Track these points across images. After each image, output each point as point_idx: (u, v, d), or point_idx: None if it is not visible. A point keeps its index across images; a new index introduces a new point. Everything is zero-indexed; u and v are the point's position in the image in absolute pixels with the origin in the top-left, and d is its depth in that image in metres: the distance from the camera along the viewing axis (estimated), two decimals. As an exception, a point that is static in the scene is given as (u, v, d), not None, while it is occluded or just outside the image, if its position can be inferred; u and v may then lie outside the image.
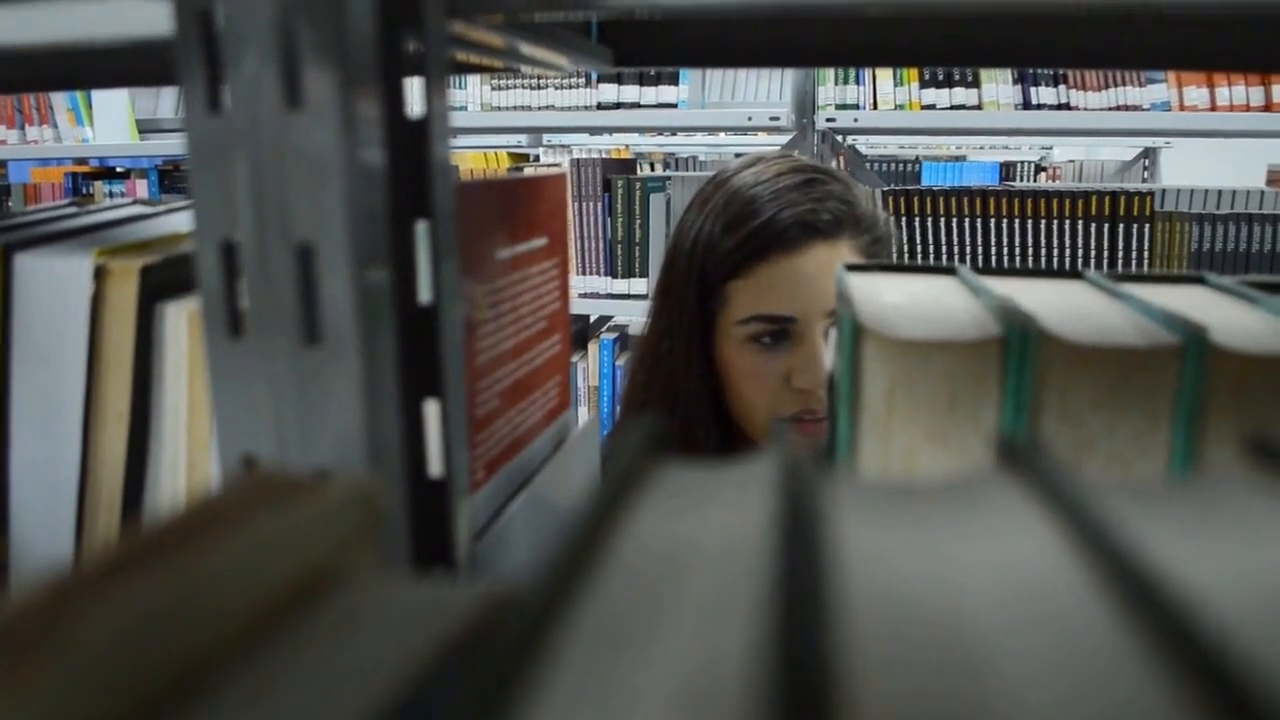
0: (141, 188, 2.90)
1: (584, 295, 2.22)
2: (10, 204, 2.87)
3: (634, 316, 2.34)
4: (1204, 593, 0.12)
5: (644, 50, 0.53)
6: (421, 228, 0.33)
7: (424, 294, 0.33)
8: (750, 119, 2.15)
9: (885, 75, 2.18)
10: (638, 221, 2.17)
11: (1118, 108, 2.12)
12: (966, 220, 1.92)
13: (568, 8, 0.35)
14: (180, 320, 0.48)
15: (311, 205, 0.29)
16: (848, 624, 0.11)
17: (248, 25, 0.28)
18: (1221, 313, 0.43)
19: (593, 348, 2.36)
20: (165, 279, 0.49)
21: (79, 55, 0.49)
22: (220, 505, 0.16)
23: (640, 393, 0.94)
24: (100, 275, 0.48)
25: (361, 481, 0.18)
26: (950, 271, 0.51)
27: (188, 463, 0.50)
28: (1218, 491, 0.17)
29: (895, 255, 1.98)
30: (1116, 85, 2.11)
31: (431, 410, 0.34)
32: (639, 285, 2.19)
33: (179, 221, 0.59)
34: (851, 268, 0.50)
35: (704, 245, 0.87)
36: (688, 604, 0.13)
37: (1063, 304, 0.44)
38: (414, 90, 0.32)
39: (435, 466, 0.34)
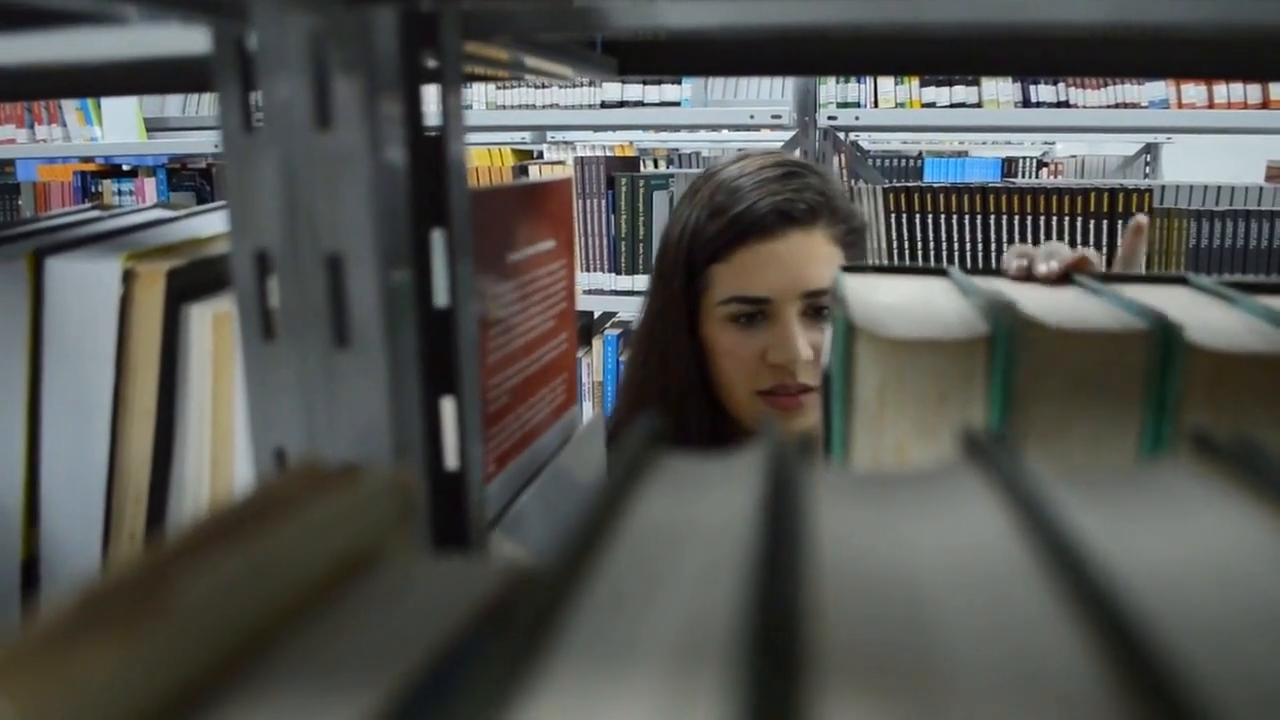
0: (150, 186, 2.92)
1: (588, 292, 2.23)
2: (20, 203, 2.89)
3: (638, 313, 2.36)
4: (1126, 564, 0.15)
5: (647, 59, 0.55)
6: (438, 235, 0.35)
7: (441, 298, 0.35)
8: (752, 117, 2.16)
9: (886, 76, 2.20)
10: (641, 218, 2.19)
11: (1116, 105, 2.14)
12: (967, 217, 1.94)
13: (575, 29, 0.37)
14: (205, 321, 0.50)
15: (340, 217, 0.31)
16: (816, 586, 0.14)
17: (281, 49, 0.30)
18: (1201, 312, 0.45)
19: (597, 344, 2.38)
20: (190, 281, 0.51)
21: (105, 69, 0.51)
22: (278, 492, 0.18)
23: (638, 370, 1.02)
24: (128, 278, 0.50)
25: (396, 472, 0.21)
26: (942, 273, 0.53)
27: (212, 457, 0.52)
28: (1160, 481, 0.19)
29: (894, 253, 2.00)
30: (1115, 83, 2.12)
31: (448, 407, 0.36)
32: (643, 282, 2.20)
33: (201, 225, 0.61)
34: (846, 269, 0.52)
35: (690, 233, 0.94)
36: (685, 571, 0.15)
37: (1048, 303, 0.46)
38: (429, 97, 0.34)
39: (451, 460, 0.37)
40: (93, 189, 2.92)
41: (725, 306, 0.92)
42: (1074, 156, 4.08)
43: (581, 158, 2.25)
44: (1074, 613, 0.14)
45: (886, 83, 2.22)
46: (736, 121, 2.39)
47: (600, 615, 0.14)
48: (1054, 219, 1.91)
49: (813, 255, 0.91)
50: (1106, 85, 2.14)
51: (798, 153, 2.13)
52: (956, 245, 1.96)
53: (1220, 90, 2.06)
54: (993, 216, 1.93)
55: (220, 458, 0.52)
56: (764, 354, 0.91)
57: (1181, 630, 0.14)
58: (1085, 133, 3.76)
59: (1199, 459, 0.21)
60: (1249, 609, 0.15)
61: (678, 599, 0.14)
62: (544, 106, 2.53)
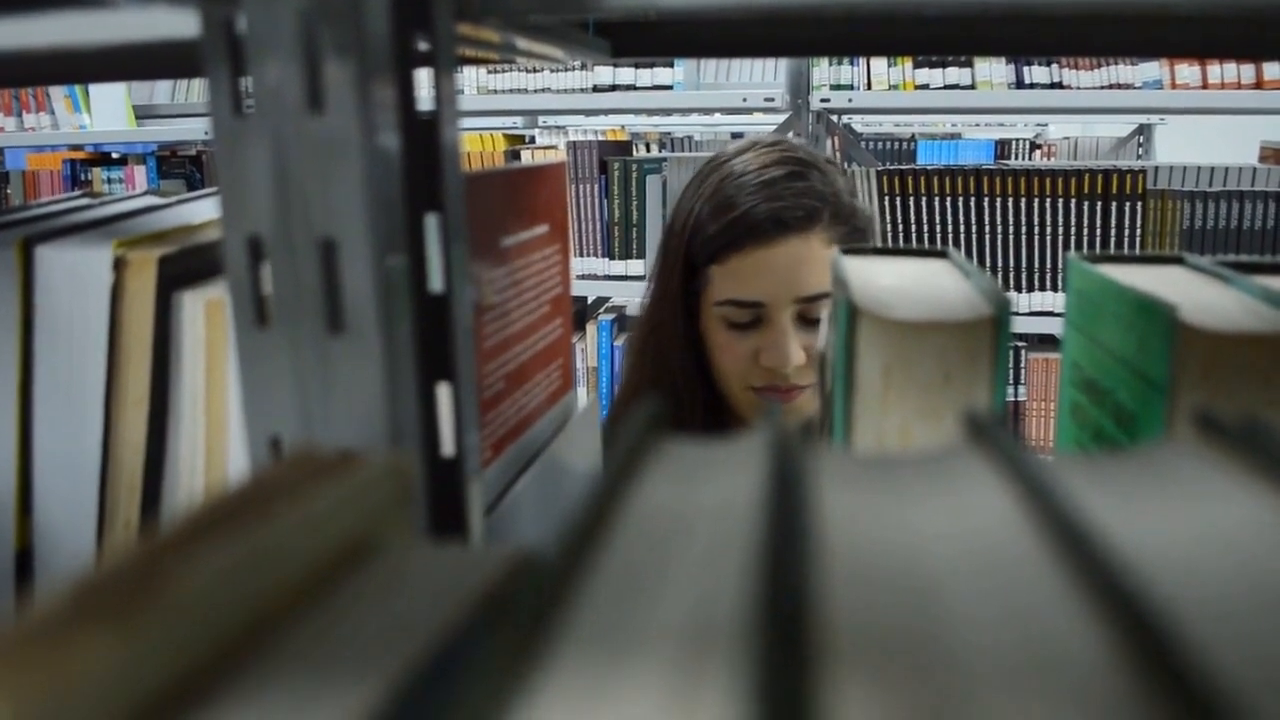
0: (139, 174, 2.91)
1: (581, 277, 2.23)
2: (9, 191, 2.87)
3: (631, 298, 2.36)
4: (1134, 546, 0.14)
5: (641, 41, 0.54)
6: (432, 219, 0.35)
7: (435, 282, 0.35)
8: (745, 100, 2.16)
9: (879, 56, 2.20)
10: (634, 203, 2.18)
11: (1110, 86, 2.14)
12: (960, 199, 1.94)
13: (567, 10, 0.37)
14: (197, 308, 0.50)
15: (333, 201, 0.31)
16: (823, 570, 0.14)
17: (270, 31, 0.30)
18: (1197, 292, 0.45)
19: (591, 329, 2.38)
20: (182, 268, 0.50)
21: (93, 54, 0.51)
22: (273, 480, 0.18)
23: (638, 357, 1.03)
24: (119, 266, 0.50)
25: (394, 459, 0.20)
26: (941, 254, 0.53)
27: (206, 445, 0.52)
28: (1165, 462, 0.19)
29: (888, 236, 1.99)
30: (1109, 64, 2.12)
31: (443, 393, 0.36)
32: (636, 266, 2.21)
33: (193, 211, 0.60)
34: (847, 251, 0.51)
35: (691, 228, 0.95)
36: (691, 555, 0.15)
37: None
38: (421, 81, 0.34)
39: (448, 446, 0.36)
40: (82, 177, 2.91)
41: (721, 308, 0.93)
42: (1067, 138, 4.08)
43: (574, 142, 2.24)
44: (1085, 596, 0.13)
45: (879, 65, 2.21)
46: (729, 105, 2.38)
47: (604, 603, 0.14)
48: (1047, 201, 1.91)
49: (808, 260, 0.90)
50: (1100, 66, 2.14)
51: (790, 136, 2.12)
52: (950, 228, 1.96)
53: (1214, 70, 2.06)
54: (986, 199, 1.93)
55: (214, 446, 0.52)
56: (757, 355, 0.93)
57: (1193, 612, 0.13)
58: (1078, 114, 3.76)
59: (1203, 440, 0.21)
60: (1260, 590, 0.15)
61: (683, 585, 0.14)
62: (535, 91, 2.52)
